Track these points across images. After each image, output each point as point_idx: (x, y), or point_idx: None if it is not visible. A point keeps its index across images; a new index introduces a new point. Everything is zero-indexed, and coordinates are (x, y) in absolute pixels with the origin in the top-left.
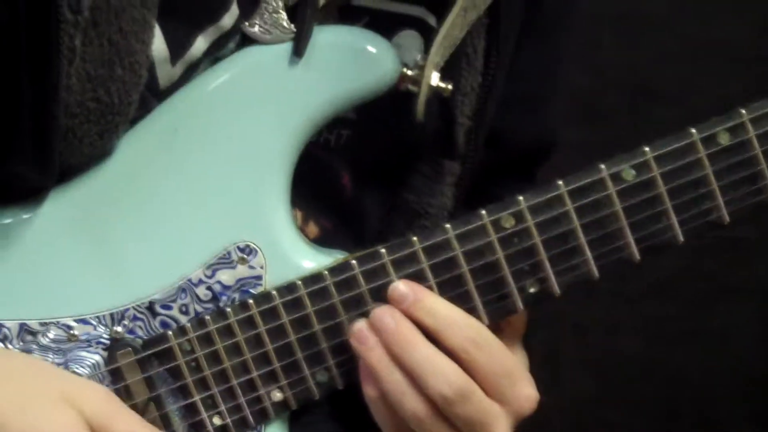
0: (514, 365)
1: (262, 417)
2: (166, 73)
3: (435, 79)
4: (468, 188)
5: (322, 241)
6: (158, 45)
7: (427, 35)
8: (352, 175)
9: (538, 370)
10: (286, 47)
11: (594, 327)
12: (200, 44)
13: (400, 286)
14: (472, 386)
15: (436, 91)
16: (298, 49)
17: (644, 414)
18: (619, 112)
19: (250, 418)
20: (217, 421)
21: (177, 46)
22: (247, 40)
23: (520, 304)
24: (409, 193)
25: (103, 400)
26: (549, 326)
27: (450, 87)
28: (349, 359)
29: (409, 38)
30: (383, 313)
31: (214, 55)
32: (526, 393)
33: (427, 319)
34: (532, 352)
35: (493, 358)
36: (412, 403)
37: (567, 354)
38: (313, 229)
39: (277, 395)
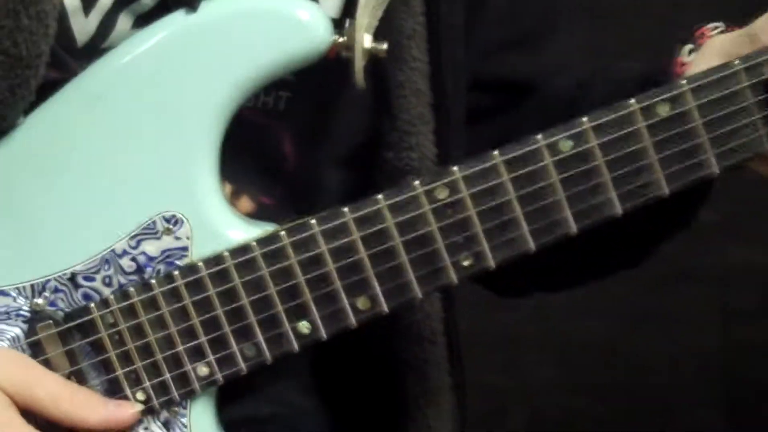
0: None
1: (188, 393)
2: (80, 26)
3: (368, 41)
4: (453, 131)
5: (257, 218)
6: None
7: None
8: (295, 142)
9: (497, 355)
10: (213, 14)
11: (554, 311)
12: None
13: None
14: None
15: (371, 54)
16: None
17: (604, 399)
18: None
19: (175, 394)
20: (140, 396)
21: None
22: None
23: (454, 278)
24: (386, 149)
25: (19, 367)
26: (509, 310)
27: (385, 47)
28: (278, 334)
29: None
30: None
31: (128, 6)
32: None
33: None
34: (490, 337)
35: None
36: None
37: (527, 338)
38: (246, 204)
39: (204, 370)
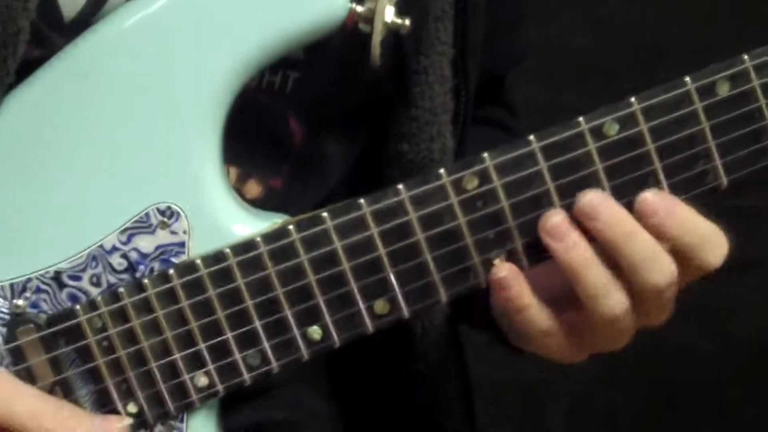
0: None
1: (185, 405)
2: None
3: (389, 14)
4: (466, 124)
5: (266, 202)
6: None
7: None
8: (302, 120)
9: None
10: None
11: None
12: None
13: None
14: (676, 269)
15: (392, 29)
16: None
17: (649, 394)
18: (623, 75)
19: (171, 406)
20: (132, 408)
21: None
22: None
23: (484, 279)
24: (401, 142)
25: None
26: None
27: (408, 23)
28: (286, 340)
29: None
30: (598, 202)
31: None
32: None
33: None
34: None
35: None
36: (613, 301)
37: None
38: (253, 188)
39: (202, 381)
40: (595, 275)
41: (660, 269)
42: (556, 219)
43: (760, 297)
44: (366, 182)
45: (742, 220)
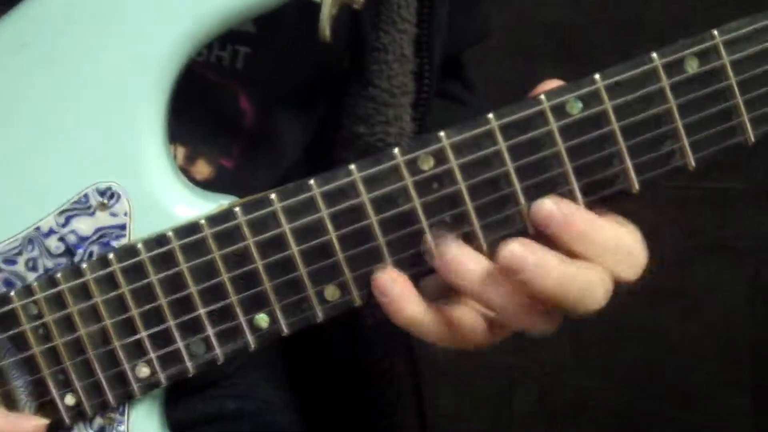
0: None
1: (125, 396)
2: None
3: None
4: (428, 108)
5: (217, 183)
6: None
7: None
8: (253, 98)
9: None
10: None
11: None
12: None
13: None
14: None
15: (344, 2)
16: None
17: (619, 380)
18: (601, 50)
19: (110, 397)
20: (69, 400)
21: None
22: None
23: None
24: (357, 124)
25: None
26: None
27: None
28: (231, 328)
29: None
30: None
31: None
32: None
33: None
34: None
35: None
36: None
37: None
38: (203, 168)
39: (144, 370)
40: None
41: (595, 297)
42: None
43: (728, 280)
44: (321, 165)
45: (716, 202)
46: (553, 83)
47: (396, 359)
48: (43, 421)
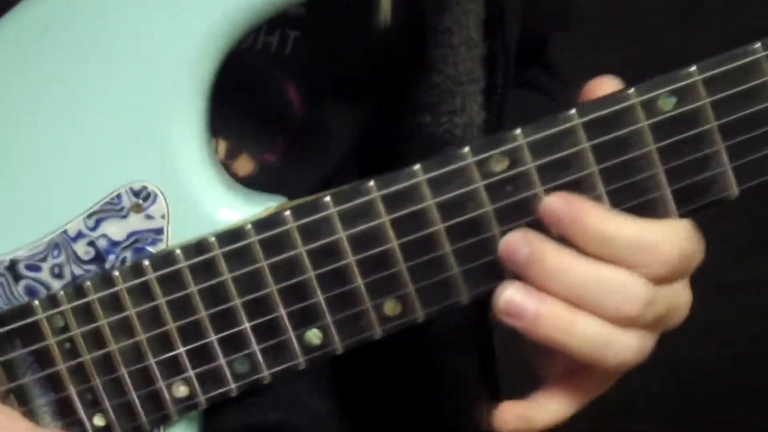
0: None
1: (161, 418)
2: None
3: None
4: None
5: (259, 180)
6: None
7: None
8: (302, 87)
9: None
10: None
11: None
12: None
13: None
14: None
15: None
16: None
17: (675, 376)
18: (664, 30)
19: (144, 419)
20: (98, 422)
21: None
22: None
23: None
24: (420, 114)
25: None
26: None
27: None
28: (279, 344)
29: None
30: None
31: None
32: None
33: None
34: None
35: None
36: (617, 347)
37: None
38: (245, 164)
39: (181, 390)
40: (581, 335)
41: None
42: (507, 294)
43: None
44: (377, 161)
45: None
46: (608, 82)
47: (469, 363)
48: None
